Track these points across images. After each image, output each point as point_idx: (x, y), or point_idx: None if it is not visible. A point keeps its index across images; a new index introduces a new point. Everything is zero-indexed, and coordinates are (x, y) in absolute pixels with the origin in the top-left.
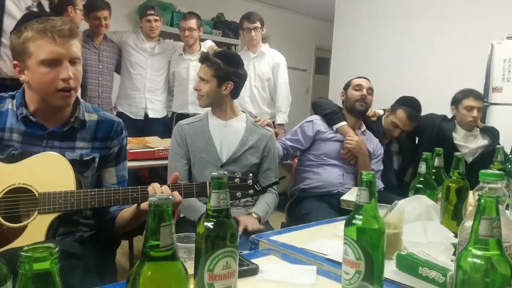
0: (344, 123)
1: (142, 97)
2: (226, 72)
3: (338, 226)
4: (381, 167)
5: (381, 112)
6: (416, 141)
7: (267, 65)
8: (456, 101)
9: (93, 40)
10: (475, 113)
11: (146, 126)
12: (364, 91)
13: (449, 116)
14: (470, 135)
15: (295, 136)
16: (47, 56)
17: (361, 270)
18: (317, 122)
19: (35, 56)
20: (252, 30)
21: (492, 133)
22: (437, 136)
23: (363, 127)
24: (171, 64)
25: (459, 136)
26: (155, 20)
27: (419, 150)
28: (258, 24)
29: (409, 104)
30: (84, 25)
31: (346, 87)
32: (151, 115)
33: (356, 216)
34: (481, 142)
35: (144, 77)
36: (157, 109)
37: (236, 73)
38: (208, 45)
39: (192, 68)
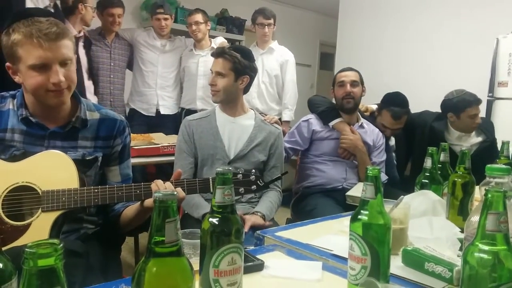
0: (339, 119)
1: (153, 94)
2: (244, 65)
3: (343, 222)
4: (384, 158)
5: (374, 107)
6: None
7: (275, 62)
8: (456, 109)
9: (105, 38)
10: (478, 119)
11: (158, 123)
12: (348, 87)
13: None
14: (464, 136)
15: (293, 138)
16: (35, 61)
17: (367, 265)
18: (313, 122)
19: (24, 61)
20: (266, 26)
21: (486, 128)
22: (429, 136)
23: (361, 121)
24: (182, 60)
25: (452, 137)
26: (165, 19)
27: (414, 147)
28: (272, 20)
29: (392, 103)
30: (95, 23)
31: (333, 84)
32: (163, 111)
33: (362, 211)
34: (476, 139)
35: (156, 74)
36: (169, 106)
37: (252, 67)
38: (219, 42)
39: (201, 64)
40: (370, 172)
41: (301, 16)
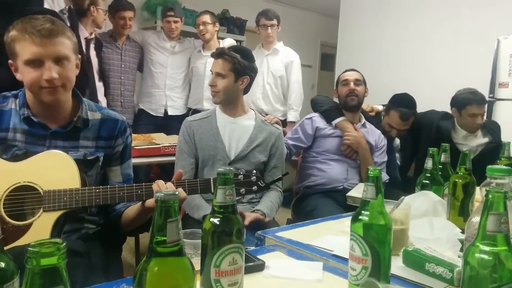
0: (342, 118)
1: (162, 94)
2: (244, 66)
3: (344, 222)
4: (385, 159)
5: (380, 107)
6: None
7: (280, 63)
8: (458, 106)
9: (116, 41)
10: (479, 120)
11: (165, 123)
12: (351, 85)
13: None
14: (470, 135)
15: (296, 135)
16: (29, 57)
17: (368, 266)
18: (316, 119)
19: (20, 57)
20: (269, 27)
21: (493, 129)
22: (436, 135)
23: (363, 120)
24: (191, 60)
25: (458, 136)
26: (175, 22)
27: (419, 148)
28: (275, 21)
29: (401, 103)
30: (107, 26)
31: (336, 84)
32: (171, 112)
33: (362, 212)
34: (482, 140)
35: (165, 75)
36: (177, 106)
37: (251, 67)
38: (227, 43)
39: (209, 64)
40: (371, 172)
41: (302, 17)
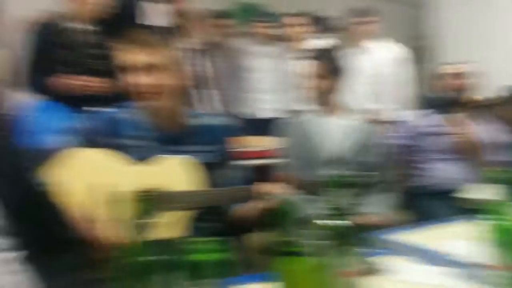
0: (453, 114)
1: (256, 98)
2: (340, 67)
3: (463, 226)
4: (505, 157)
5: (487, 97)
6: None
7: (380, 59)
8: None
9: (211, 48)
10: None
11: (261, 126)
12: (451, 80)
13: None
14: None
15: (398, 133)
16: (122, 64)
17: (500, 273)
18: (420, 117)
19: (119, 65)
20: (364, 24)
21: None
22: None
23: (475, 115)
24: (283, 63)
25: None
26: (267, 27)
27: None
28: (369, 18)
29: None
30: (202, 35)
31: (439, 78)
32: (265, 115)
33: (488, 215)
34: None
35: (258, 79)
36: (271, 109)
37: (344, 67)
38: (319, 44)
39: (300, 66)
40: (491, 173)
41: (388, 10)
